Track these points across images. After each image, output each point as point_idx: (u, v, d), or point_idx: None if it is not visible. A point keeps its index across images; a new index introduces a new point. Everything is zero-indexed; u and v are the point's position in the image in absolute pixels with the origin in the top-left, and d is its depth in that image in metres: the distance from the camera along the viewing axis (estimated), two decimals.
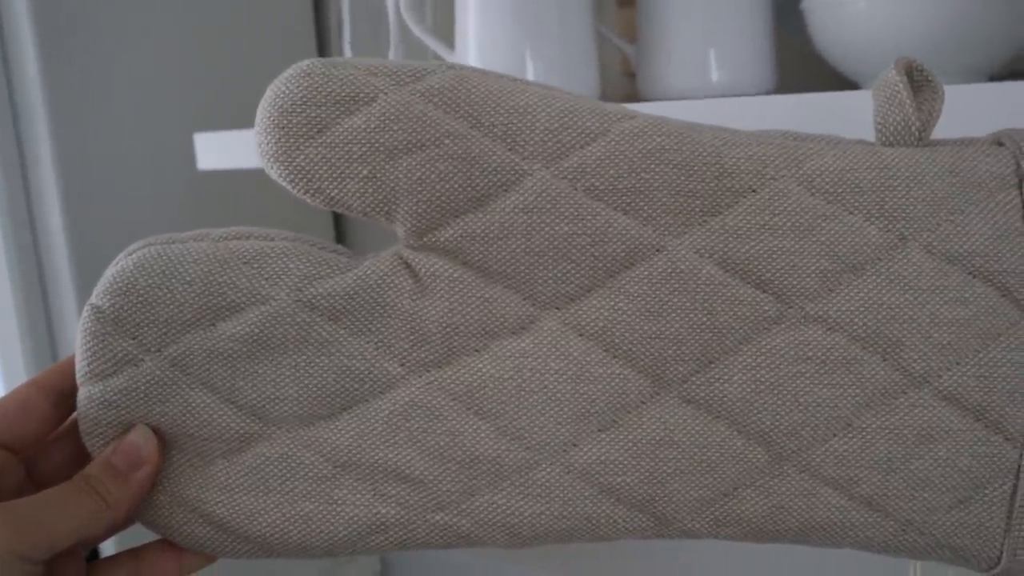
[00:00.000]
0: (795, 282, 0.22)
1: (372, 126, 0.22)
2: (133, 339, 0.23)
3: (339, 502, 0.23)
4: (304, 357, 0.23)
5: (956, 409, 0.22)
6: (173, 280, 0.23)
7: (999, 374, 0.21)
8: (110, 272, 0.23)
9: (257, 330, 0.23)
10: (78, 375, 0.23)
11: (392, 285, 0.23)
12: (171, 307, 0.23)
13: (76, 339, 0.23)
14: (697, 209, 0.22)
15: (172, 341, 0.23)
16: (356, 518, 0.23)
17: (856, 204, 0.22)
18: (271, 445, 0.23)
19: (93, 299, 0.23)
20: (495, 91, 0.22)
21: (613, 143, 0.22)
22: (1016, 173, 0.21)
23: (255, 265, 0.23)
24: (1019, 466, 0.22)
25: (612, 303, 0.22)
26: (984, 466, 0.22)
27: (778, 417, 0.22)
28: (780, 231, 0.22)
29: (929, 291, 0.21)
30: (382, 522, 0.23)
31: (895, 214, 0.21)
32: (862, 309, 0.22)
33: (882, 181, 0.22)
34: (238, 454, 0.23)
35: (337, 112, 0.22)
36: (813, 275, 0.22)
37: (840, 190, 0.22)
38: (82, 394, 0.23)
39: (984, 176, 0.21)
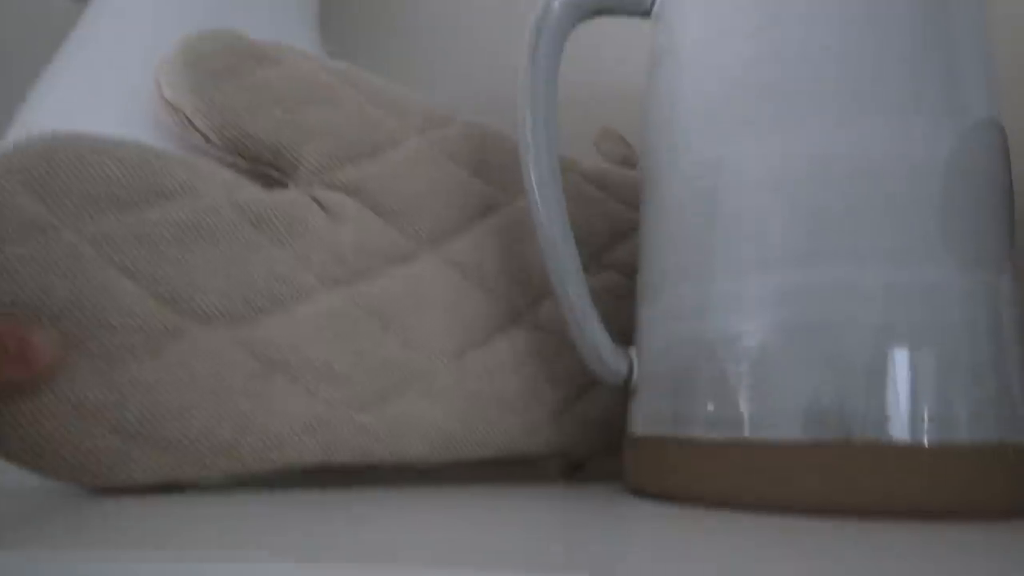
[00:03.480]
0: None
1: (284, 79, 0.26)
2: (47, 206, 0.20)
3: (273, 398, 0.22)
4: (233, 251, 0.23)
5: None
6: (104, 156, 0.21)
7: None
8: (25, 138, 0.21)
9: (191, 217, 0.22)
10: None
11: (308, 208, 0.25)
12: (98, 182, 0.21)
13: None
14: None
15: (93, 218, 0.21)
16: (290, 414, 0.22)
17: None
18: (197, 341, 0.21)
19: (2, 158, 0.20)
20: (377, 83, 0.28)
21: (458, 126, 0.30)
22: None
23: (188, 163, 0.23)
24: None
25: (475, 242, 0.28)
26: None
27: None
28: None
29: None
30: (313, 420, 0.23)
31: None
32: None
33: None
34: (159, 350, 0.21)
35: (251, 64, 0.26)
36: None
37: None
38: None
39: None
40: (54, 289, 0.20)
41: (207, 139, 0.25)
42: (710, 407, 0.21)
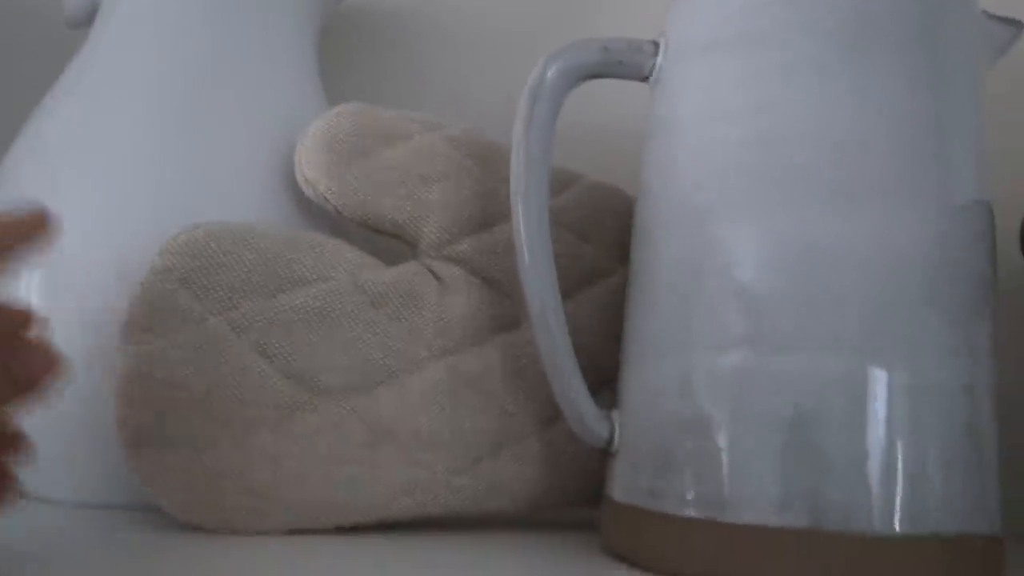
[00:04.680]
0: None
1: (409, 158, 0.28)
2: (198, 300, 0.24)
3: (379, 465, 0.25)
4: (355, 333, 0.26)
5: None
6: (243, 249, 0.25)
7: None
8: (180, 237, 0.24)
9: (319, 303, 0.25)
10: (127, 332, 0.23)
11: (424, 281, 0.28)
12: (239, 273, 0.24)
13: (132, 300, 0.23)
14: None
15: (236, 306, 0.24)
16: (392, 480, 0.25)
17: None
18: (319, 414, 0.25)
19: (159, 260, 0.24)
20: (496, 146, 0.30)
21: (579, 190, 0.31)
22: None
23: (317, 249, 0.26)
24: None
25: (575, 309, 0.30)
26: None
27: None
28: None
29: None
30: (413, 485, 0.26)
31: None
32: None
33: None
34: (286, 422, 0.24)
35: (379, 143, 0.28)
36: None
37: None
38: (132, 349, 0.23)
39: None
40: (203, 372, 0.23)
41: (339, 212, 0.28)
42: (685, 486, 0.22)
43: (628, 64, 0.26)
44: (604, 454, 0.28)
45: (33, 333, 0.18)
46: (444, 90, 0.44)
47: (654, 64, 0.26)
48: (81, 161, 0.29)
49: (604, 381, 0.30)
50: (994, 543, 0.23)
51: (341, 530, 0.26)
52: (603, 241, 0.31)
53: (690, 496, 0.22)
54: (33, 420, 0.26)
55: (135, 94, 0.30)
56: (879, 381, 0.21)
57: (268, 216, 0.29)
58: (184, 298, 0.24)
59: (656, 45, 0.26)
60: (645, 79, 0.27)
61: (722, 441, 0.22)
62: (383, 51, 0.45)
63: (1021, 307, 0.38)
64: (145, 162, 0.29)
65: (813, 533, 0.20)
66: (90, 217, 0.28)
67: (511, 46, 0.44)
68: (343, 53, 0.45)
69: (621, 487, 0.24)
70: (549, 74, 0.26)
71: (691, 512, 0.22)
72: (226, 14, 0.32)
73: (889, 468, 0.21)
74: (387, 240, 0.29)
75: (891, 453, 0.21)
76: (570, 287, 0.30)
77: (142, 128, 0.29)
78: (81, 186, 0.28)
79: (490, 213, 0.29)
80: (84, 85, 0.31)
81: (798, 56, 0.22)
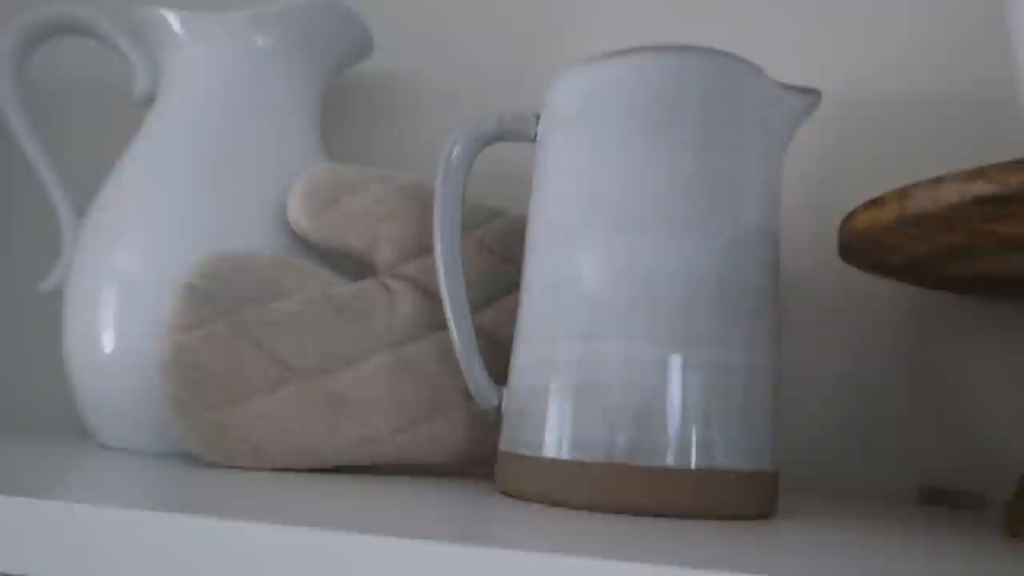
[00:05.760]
0: None
1: (368, 203, 0.39)
2: (211, 306, 0.35)
3: (339, 425, 0.36)
4: (324, 330, 0.36)
5: None
6: (244, 272, 0.35)
7: None
8: (203, 262, 0.35)
9: (298, 309, 0.36)
10: (169, 327, 0.34)
11: (377, 293, 0.38)
12: (240, 288, 0.35)
13: (170, 306, 0.34)
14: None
15: (239, 311, 0.35)
16: (350, 435, 0.36)
17: None
18: (295, 386, 0.35)
19: (189, 279, 0.35)
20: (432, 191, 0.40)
21: (503, 222, 0.41)
22: None
23: (298, 271, 0.37)
24: None
25: (494, 314, 0.40)
26: None
27: None
28: None
29: None
30: (365, 440, 0.36)
31: None
32: None
33: None
34: (272, 392, 0.35)
35: (345, 193, 0.39)
36: None
37: None
38: (170, 340, 0.34)
39: None
40: (216, 357, 0.34)
41: (317, 243, 0.38)
42: (529, 434, 0.32)
43: (517, 131, 0.36)
44: (499, 417, 0.38)
45: None
46: (419, 141, 0.54)
47: (536, 130, 0.36)
48: (144, 207, 0.40)
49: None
50: (768, 476, 0.32)
51: (312, 471, 0.36)
52: (519, 263, 0.41)
53: (530, 442, 0.32)
54: (112, 396, 0.37)
55: (179, 155, 0.41)
56: (681, 362, 0.30)
57: (269, 245, 0.40)
58: (203, 306, 0.34)
59: (537, 117, 0.36)
60: (532, 141, 0.37)
61: (566, 403, 0.31)
62: (371, 112, 0.55)
63: (838, 299, 0.46)
64: (186, 204, 0.40)
65: (603, 467, 0.30)
66: (151, 247, 0.39)
67: (473, 106, 0.54)
68: (340, 112, 0.56)
69: (504, 439, 0.34)
70: (456, 147, 0.36)
71: (530, 453, 0.32)
72: (248, 92, 0.43)
73: (685, 421, 0.30)
74: (353, 262, 0.39)
75: (687, 410, 0.30)
76: (492, 296, 0.40)
77: (184, 178, 0.40)
78: (146, 220, 0.40)
79: (429, 242, 0.39)
80: (146, 149, 0.42)
81: (607, 131, 0.32)
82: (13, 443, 0.42)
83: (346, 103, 0.56)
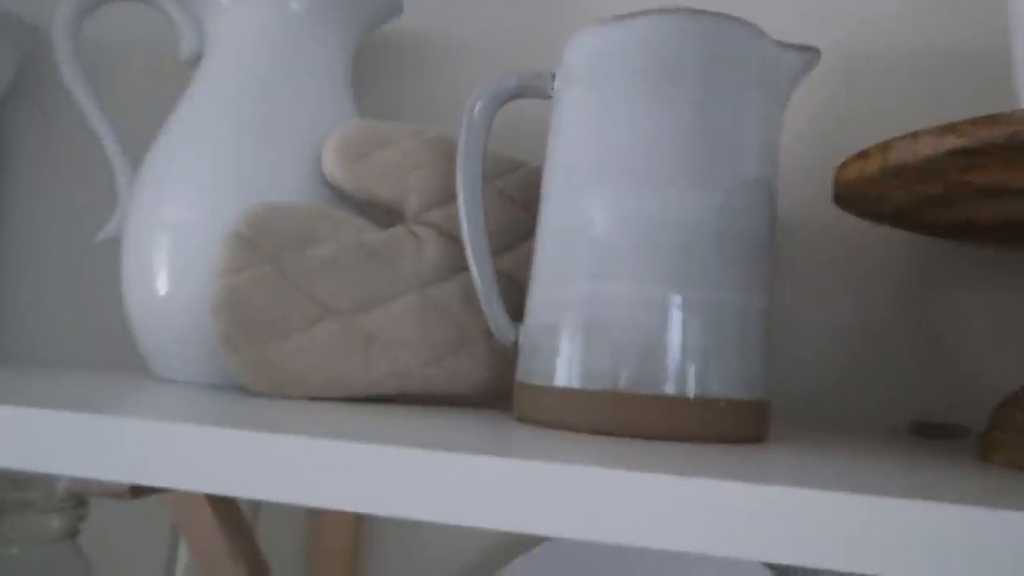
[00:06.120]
0: None
1: (396, 157, 0.42)
2: (257, 252, 0.38)
3: (371, 359, 0.39)
4: (356, 273, 0.40)
5: None
6: (285, 221, 0.39)
7: None
8: (247, 211, 0.39)
9: (333, 254, 0.39)
10: (219, 271, 0.38)
11: (405, 239, 0.41)
12: (282, 236, 0.39)
13: (219, 251, 0.38)
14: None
15: (280, 256, 0.39)
16: (381, 369, 0.40)
17: None
18: (332, 324, 0.39)
19: (236, 227, 0.38)
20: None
21: (522, 173, 0.44)
22: None
23: (332, 219, 0.40)
24: None
25: (514, 258, 0.43)
26: None
27: None
28: None
29: None
30: (395, 372, 0.40)
31: None
32: None
33: None
34: (311, 329, 0.39)
35: (376, 147, 0.42)
36: None
37: None
38: (220, 283, 0.37)
39: None
40: (261, 297, 0.38)
41: (351, 194, 0.42)
42: (542, 366, 0.35)
43: (535, 88, 0.39)
44: (516, 351, 0.41)
45: None
46: (446, 97, 0.57)
47: (552, 87, 0.39)
48: (194, 158, 0.44)
49: None
50: (761, 405, 0.35)
51: (348, 399, 0.40)
52: (537, 209, 0.44)
53: (543, 372, 0.35)
54: (167, 334, 0.41)
55: (226, 109, 0.44)
56: (680, 301, 0.33)
57: (307, 195, 0.44)
58: (248, 251, 0.38)
59: (553, 75, 0.39)
60: (549, 97, 0.40)
61: (564, 339, 0.35)
62: (399, 68, 0.58)
63: (835, 246, 0.49)
64: (232, 159, 0.43)
65: (609, 393, 0.33)
66: (199, 198, 0.43)
67: (495, 62, 0.56)
68: (370, 68, 0.59)
69: (520, 371, 0.38)
70: (479, 102, 0.39)
71: (542, 383, 0.35)
72: (286, 54, 0.46)
73: (684, 354, 0.33)
74: (382, 211, 0.43)
75: (686, 345, 0.33)
76: (512, 241, 0.43)
77: (229, 134, 0.44)
78: (195, 173, 0.43)
79: (453, 192, 0.43)
80: (193, 109, 0.46)
81: (615, 91, 0.35)
82: (84, 376, 0.47)
83: (376, 60, 0.59)
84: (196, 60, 0.49)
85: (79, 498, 0.50)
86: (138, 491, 0.32)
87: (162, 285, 0.43)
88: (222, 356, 0.38)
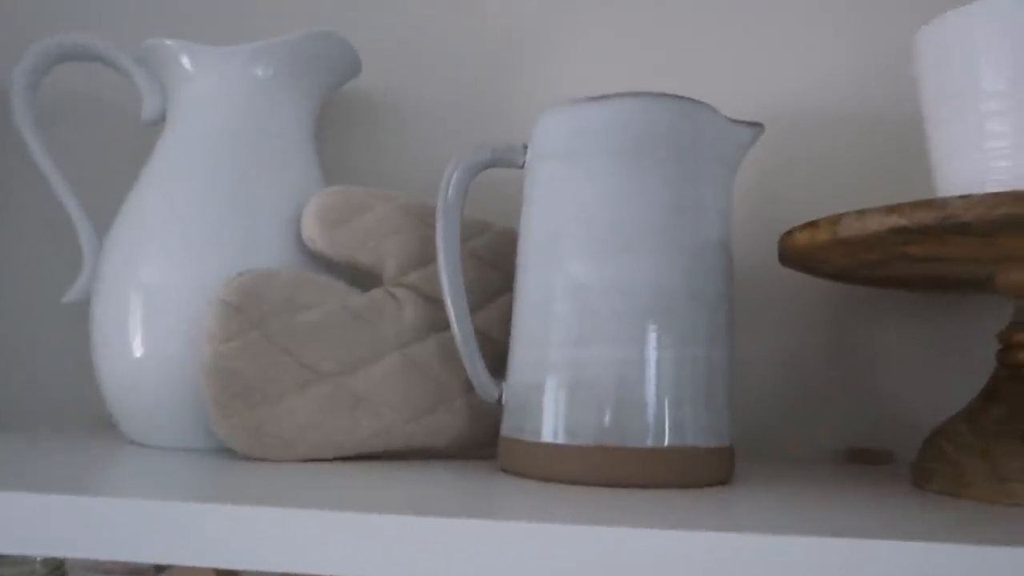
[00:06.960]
0: None
1: (374, 222, 0.44)
2: (245, 319, 0.39)
3: (358, 419, 0.41)
4: (342, 335, 0.41)
5: None
6: (270, 287, 0.40)
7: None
8: (234, 279, 0.40)
9: (319, 318, 0.41)
10: (208, 339, 0.39)
11: (385, 301, 0.43)
12: (268, 302, 0.40)
13: (208, 319, 0.39)
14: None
15: (268, 323, 0.40)
16: (367, 428, 0.41)
17: None
18: (322, 387, 0.41)
19: (223, 295, 0.39)
20: (433, 208, 0.46)
21: (491, 234, 0.46)
22: None
23: (318, 285, 0.42)
24: None
25: (487, 315, 0.45)
26: None
27: None
28: None
29: None
30: (380, 431, 0.41)
31: None
32: None
33: None
34: (302, 392, 0.40)
35: (354, 213, 0.44)
36: None
37: None
38: (210, 349, 0.38)
39: None
40: (251, 364, 0.39)
41: (331, 259, 0.43)
42: (530, 424, 0.38)
43: (507, 159, 0.42)
44: (499, 407, 0.44)
45: None
46: (409, 157, 0.59)
47: (524, 159, 0.42)
48: (167, 220, 0.44)
49: (504, 362, 0.45)
50: (726, 451, 0.38)
51: (337, 459, 0.42)
52: (506, 269, 0.47)
53: (531, 429, 0.38)
54: (142, 398, 0.42)
55: (197, 173, 0.45)
56: (652, 358, 0.37)
57: (282, 255, 0.45)
58: (237, 318, 0.39)
59: (525, 147, 0.42)
60: (520, 167, 0.42)
61: (557, 396, 0.37)
62: (359, 126, 0.60)
63: (778, 296, 0.53)
64: (206, 221, 0.44)
65: (592, 448, 0.36)
66: (178, 259, 0.43)
67: (462, 125, 0.59)
68: (333, 126, 0.60)
69: (506, 427, 0.40)
70: (455, 173, 0.41)
71: (531, 439, 0.38)
72: (253, 118, 0.47)
73: (660, 408, 0.36)
74: (363, 274, 0.45)
75: (661, 399, 0.36)
76: (483, 300, 0.46)
77: (203, 197, 0.44)
78: (169, 236, 0.44)
79: (429, 254, 0.45)
80: (164, 167, 0.46)
81: (592, 167, 0.38)
82: (53, 441, 0.46)
83: (335, 118, 0.60)
84: (159, 121, 0.50)
85: (56, 563, 0.49)
86: (161, 567, 0.33)
87: (137, 348, 0.43)
88: (208, 421, 0.39)
